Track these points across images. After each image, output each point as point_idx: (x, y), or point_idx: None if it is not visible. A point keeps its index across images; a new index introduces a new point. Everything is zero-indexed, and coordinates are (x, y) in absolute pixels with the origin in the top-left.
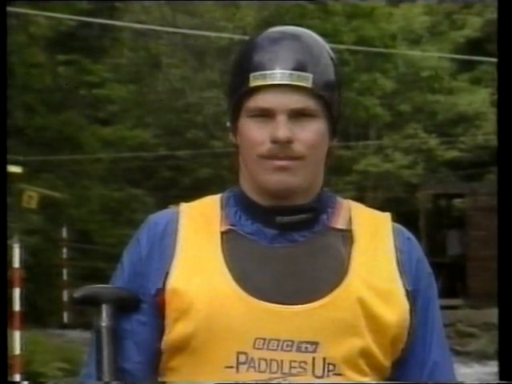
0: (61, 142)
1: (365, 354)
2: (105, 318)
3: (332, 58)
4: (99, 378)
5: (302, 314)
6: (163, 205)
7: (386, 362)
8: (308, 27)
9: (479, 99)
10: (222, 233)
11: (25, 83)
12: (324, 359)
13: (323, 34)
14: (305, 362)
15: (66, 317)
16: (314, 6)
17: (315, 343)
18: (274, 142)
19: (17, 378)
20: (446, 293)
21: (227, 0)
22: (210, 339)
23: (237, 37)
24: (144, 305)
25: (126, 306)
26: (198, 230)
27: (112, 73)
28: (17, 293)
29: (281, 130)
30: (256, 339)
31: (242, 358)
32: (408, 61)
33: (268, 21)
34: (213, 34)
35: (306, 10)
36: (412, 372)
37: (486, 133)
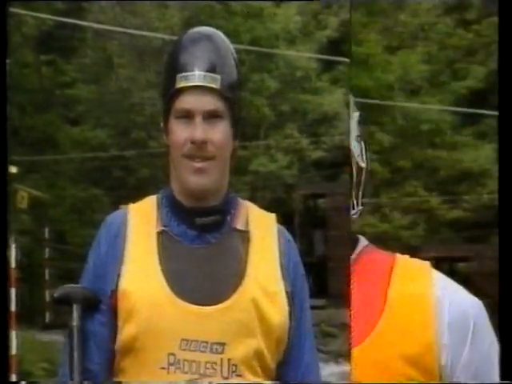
0: (43, 142)
1: (257, 355)
2: (75, 318)
3: (235, 59)
4: (72, 378)
5: (212, 316)
6: (116, 205)
7: (272, 363)
8: (218, 28)
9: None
10: (158, 233)
11: (17, 84)
12: (229, 360)
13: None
14: (215, 363)
15: (47, 317)
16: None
17: (223, 344)
18: (193, 142)
19: (13, 378)
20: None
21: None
22: (149, 341)
23: (166, 37)
24: (103, 306)
25: (91, 306)
26: (140, 230)
27: (79, 73)
28: (12, 293)
29: (197, 131)
30: (182, 340)
31: (172, 359)
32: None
33: (188, 22)
34: (147, 34)
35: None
36: (290, 373)
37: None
